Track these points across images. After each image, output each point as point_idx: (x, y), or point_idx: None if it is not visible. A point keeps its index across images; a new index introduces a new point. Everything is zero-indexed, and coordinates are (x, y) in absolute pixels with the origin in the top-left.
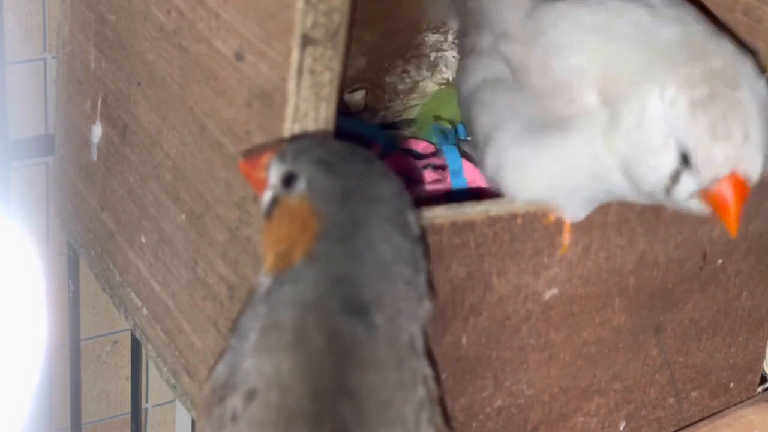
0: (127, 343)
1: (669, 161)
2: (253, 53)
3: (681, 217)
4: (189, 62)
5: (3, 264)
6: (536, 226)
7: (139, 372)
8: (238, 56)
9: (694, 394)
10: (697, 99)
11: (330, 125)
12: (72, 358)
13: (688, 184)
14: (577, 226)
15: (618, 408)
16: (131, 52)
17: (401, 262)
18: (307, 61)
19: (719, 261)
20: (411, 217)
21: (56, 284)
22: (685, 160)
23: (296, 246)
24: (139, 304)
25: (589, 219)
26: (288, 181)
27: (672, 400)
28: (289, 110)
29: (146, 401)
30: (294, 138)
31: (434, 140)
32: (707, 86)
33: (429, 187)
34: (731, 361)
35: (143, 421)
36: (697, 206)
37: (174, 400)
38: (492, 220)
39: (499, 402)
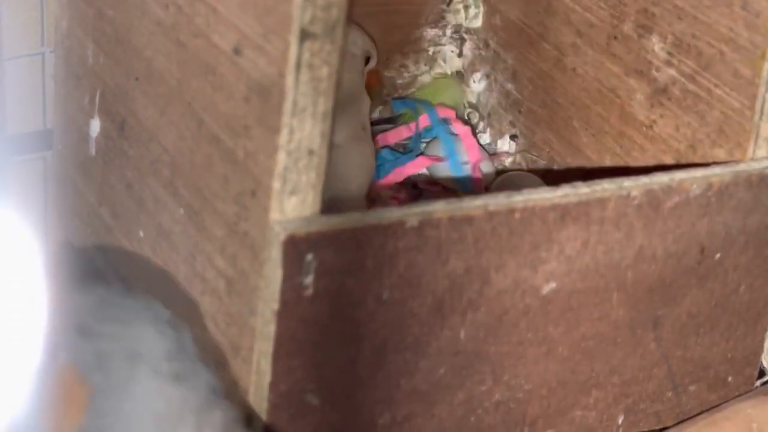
0: None
1: None
2: (251, 48)
3: (679, 211)
4: (187, 57)
5: (1, 259)
6: (534, 221)
7: None
8: (236, 51)
9: (692, 388)
10: None
11: (328, 120)
12: None
13: None
14: (575, 220)
15: (616, 402)
16: (129, 47)
17: (176, 415)
18: (305, 56)
19: (717, 255)
20: (183, 351)
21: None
22: None
23: (66, 420)
24: None
25: (587, 213)
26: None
27: (670, 393)
28: (287, 105)
29: None
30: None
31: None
32: None
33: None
34: (729, 355)
35: None
36: None
37: None
38: (490, 215)
39: (497, 396)
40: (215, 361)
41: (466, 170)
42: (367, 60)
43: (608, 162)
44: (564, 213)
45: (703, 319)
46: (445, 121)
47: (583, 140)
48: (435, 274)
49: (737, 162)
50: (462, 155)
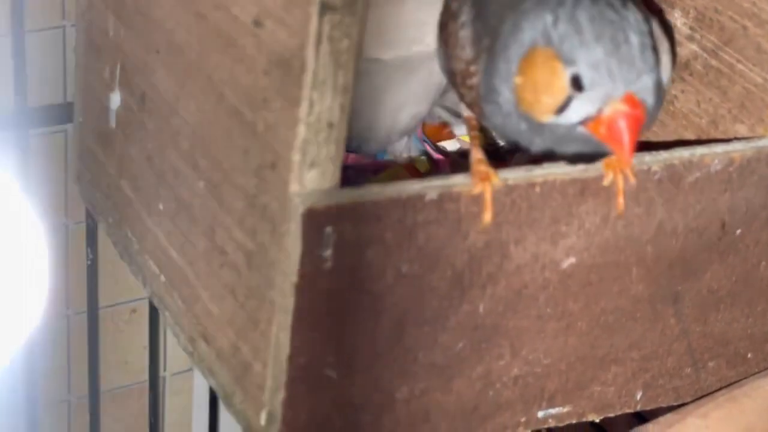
0: (145, 311)
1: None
2: (272, 20)
3: (700, 186)
4: (207, 30)
5: (22, 232)
6: (554, 195)
7: (157, 340)
8: (257, 23)
9: (711, 364)
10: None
11: (348, 93)
12: (90, 326)
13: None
14: (595, 195)
15: (635, 377)
16: (150, 19)
17: None
18: (326, 28)
19: (738, 231)
20: None
21: (75, 252)
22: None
23: None
24: (157, 271)
25: (607, 187)
26: None
27: (689, 369)
28: (308, 77)
29: (164, 369)
30: None
31: None
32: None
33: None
34: (749, 331)
35: (161, 389)
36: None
37: (192, 368)
38: (510, 189)
39: (515, 371)
40: None
41: None
42: None
43: None
44: (584, 187)
45: (723, 294)
46: None
47: None
48: (454, 248)
49: (759, 137)
50: None
